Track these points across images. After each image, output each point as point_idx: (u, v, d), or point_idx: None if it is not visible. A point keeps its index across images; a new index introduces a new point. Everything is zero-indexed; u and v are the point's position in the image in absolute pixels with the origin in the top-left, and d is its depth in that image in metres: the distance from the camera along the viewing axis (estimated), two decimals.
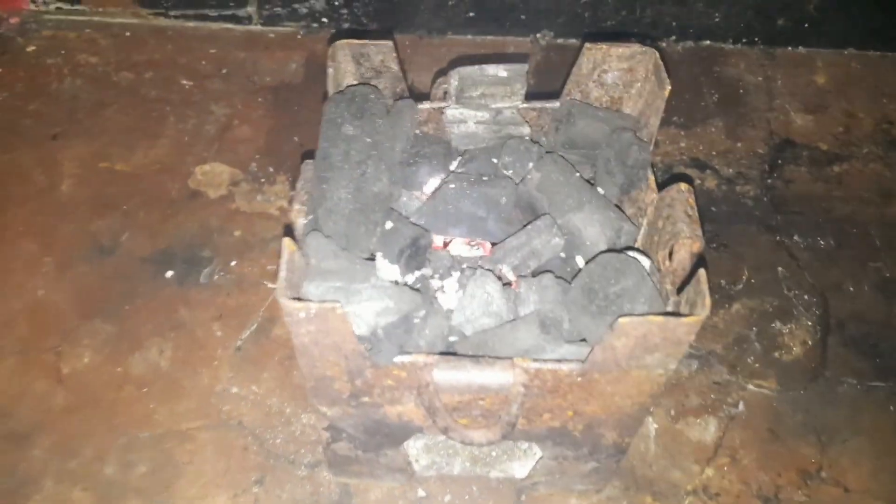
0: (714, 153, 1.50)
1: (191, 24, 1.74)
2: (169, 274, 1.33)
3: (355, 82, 0.98)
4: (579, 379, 0.79)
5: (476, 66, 0.95)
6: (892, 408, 1.17)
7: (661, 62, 0.95)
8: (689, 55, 1.67)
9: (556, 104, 1.01)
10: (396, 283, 0.83)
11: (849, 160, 1.50)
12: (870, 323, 1.26)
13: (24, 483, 1.11)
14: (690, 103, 1.59)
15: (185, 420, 1.17)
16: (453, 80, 0.94)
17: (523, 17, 1.68)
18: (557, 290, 0.83)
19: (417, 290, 0.84)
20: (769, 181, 1.46)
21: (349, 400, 0.86)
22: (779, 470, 1.11)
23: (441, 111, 0.99)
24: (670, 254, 0.86)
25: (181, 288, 1.31)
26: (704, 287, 0.75)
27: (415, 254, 0.87)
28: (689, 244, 0.83)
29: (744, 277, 1.31)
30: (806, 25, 1.64)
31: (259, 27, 1.74)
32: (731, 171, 1.48)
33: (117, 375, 1.21)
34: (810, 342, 1.24)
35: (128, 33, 1.72)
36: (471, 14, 1.68)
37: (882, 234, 1.38)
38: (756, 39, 1.68)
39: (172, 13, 1.73)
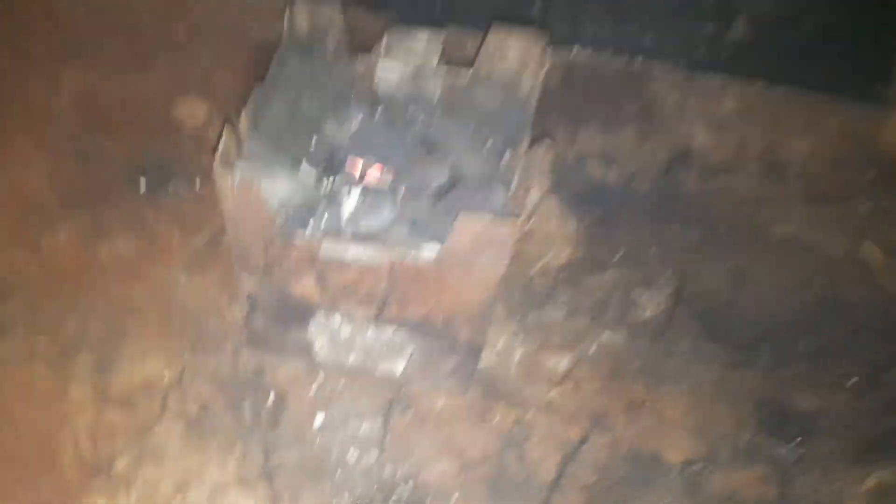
0: (622, 152, 1.82)
1: None
2: (142, 182, 1.62)
3: (306, 32, 1.29)
4: (433, 268, 1.09)
5: (404, 29, 1.26)
6: (715, 365, 1.47)
7: (545, 49, 1.26)
8: (619, 70, 1.99)
9: (468, 72, 1.32)
10: (309, 180, 1.13)
11: (734, 173, 1.81)
12: (716, 299, 1.57)
13: None
14: (612, 110, 1.90)
15: (137, 299, 1.46)
16: (384, 39, 1.25)
17: (480, 14, 1.99)
18: (430, 203, 1.13)
19: (325, 189, 1.14)
20: (661, 181, 1.77)
21: (264, 270, 1.16)
22: (611, 398, 1.41)
23: (373, 64, 1.29)
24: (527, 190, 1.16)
25: (151, 196, 1.60)
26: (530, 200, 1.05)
27: (329, 166, 1.17)
28: (537, 188, 1.14)
29: (620, 253, 1.62)
30: (724, 55, 1.97)
31: None
32: (631, 168, 1.79)
33: (86, 255, 1.51)
34: (662, 308, 1.54)
35: None
36: (436, 9, 1.99)
37: (748, 235, 1.69)
38: (680, 62, 2.00)
39: None
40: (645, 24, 1.96)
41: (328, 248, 1.08)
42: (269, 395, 1.35)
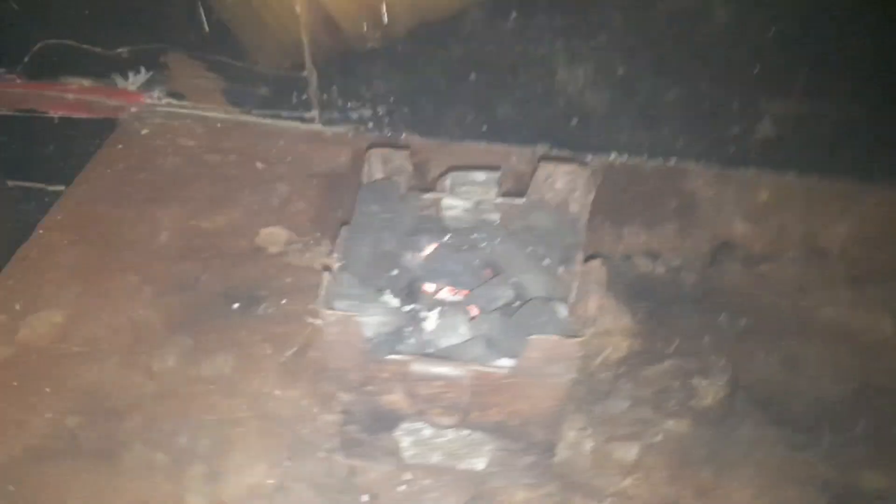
0: (666, 247, 1.98)
1: (267, 120, 2.34)
2: (235, 306, 1.85)
3: (382, 176, 1.52)
4: (509, 380, 1.26)
5: (464, 170, 1.48)
6: (778, 448, 1.57)
7: (591, 176, 1.46)
8: (655, 171, 2.18)
9: (522, 200, 1.52)
10: (395, 308, 1.32)
11: (775, 260, 1.95)
12: (772, 385, 1.68)
13: (119, 444, 1.60)
14: (653, 208, 2.08)
15: (239, 411, 1.65)
16: (448, 179, 1.47)
17: (525, 132, 2.23)
18: (502, 321, 1.31)
19: (409, 314, 1.33)
20: (707, 272, 1.92)
21: (357, 387, 1.34)
22: (681, 486, 1.52)
23: (439, 200, 1.51)
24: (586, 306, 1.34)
25: (243, 317, 1.83)
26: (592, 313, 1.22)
27: (410, 293, 1.36)
28: (595, 298, 1.31)
29: (675, 344, 1.75)
30: (754, 152, 2.14)
31: (319, 126, 2.33)
32: (677, 262, 1.95)
33: (192, 375, 1.72)
34: (721, 395, 1.66)
35: (219, 125, 2.34)
36: (484, 128, 2.25)
37: (795, 321, 1.81)
38: (712, 159, 2.19)
39: (254, 112, 2.34)
40: (676, 128, 2.17)
41: (415, 367, 1.25)
42: (362, 495, 1.50)
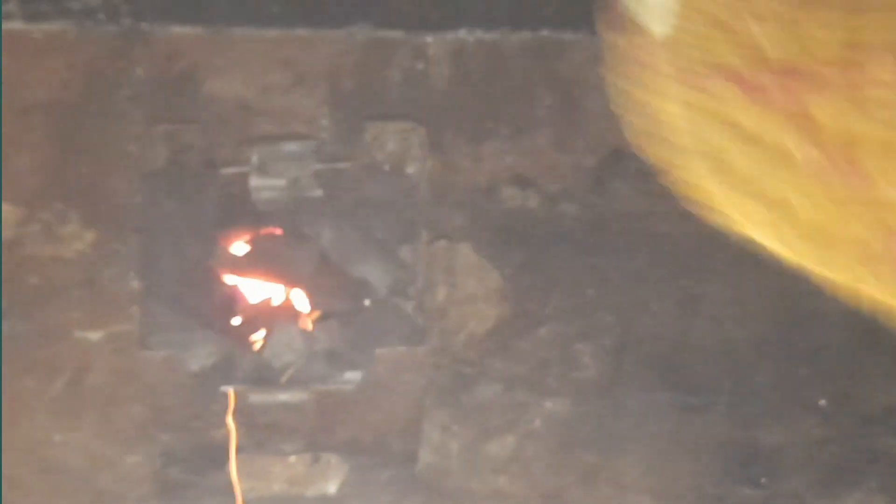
0: (540, 168, 3.09)
1: None
2: None
3: (165, 157, 2.49)
4: (357, 396, 2.35)
5: (271, 142, 2.48)
6: (672, 416, 2.80)
7: (424, 138, 2.51)
8: (522, 49, 3.23)
9: (347, 165, 2.56)
10: (219, 335, 2.36)
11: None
12: (666, 340, 2.89)
13: None
14: (521, 108, 3.15)
15: (11, 468, 2.64)
16: (254, 156, 2.47)
17: (335, 8, 3.19)
18: (341, 330, 2.38)
19: (236, 336, 2.37)
20: (591, 198, 3.06)
21: (181, 425, 2.39)
22: (563, 474, 2.72)
23: (245, 175, 2.51)
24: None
25: None
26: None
27: (232, 307, 2.40)
28: (442, 289, 2.40)
29: (552, 303, 2.90)
30: None
31: (21, 25, 3.15)
32: (554, 188, 3.07)
33: None
34: (607, 361, 2.85)
35: None
36: (274, 8, 3.18)
37: (697, 251, 3.01)
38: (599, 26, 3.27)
39: None
40: None
41: (251, 398, 2.31)
42: None
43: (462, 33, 3.23)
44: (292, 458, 2.51)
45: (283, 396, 2.34)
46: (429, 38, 3.22)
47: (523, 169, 3.10)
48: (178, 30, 3.15)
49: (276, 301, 2.45)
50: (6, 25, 3.13)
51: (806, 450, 2.82)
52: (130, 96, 2.93)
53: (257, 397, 2.34)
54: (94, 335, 2.69)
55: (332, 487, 2.60)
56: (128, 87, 2.95)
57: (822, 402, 2.85)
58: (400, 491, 2.65)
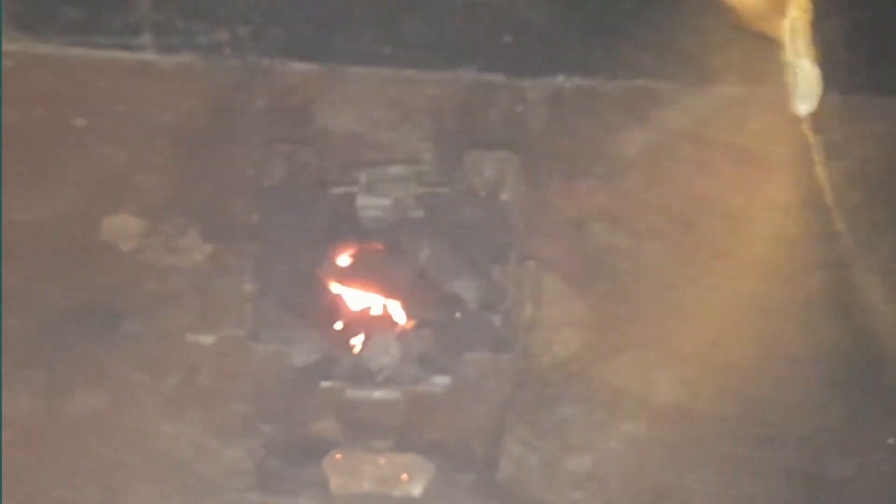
0: (629, 206, 3.34)
1: (78, 51, 3.48)
2: (90, 325, 3.09)
3: (283, 174, 2.80)
4: (445, 398, 2.61)
5: (379, 166, 2.78)
6: (743, 444, 3.01)
7: (519, 166, 2.79)
8: (617, 96, 3.50)
9: (447, 191, 2.84)
10: (322, 333, 2.65)
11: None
12: (743, 372, 3.10)
13: None
14: (614, 150, 3.41)
15: (122, 454, 2.93)
16: (362, 176, 2.77)
17: (442, 53, 3.49)
18: (434, 337, 2.66)
19: (337, 337, 2.66)
20: (680, 235, 3.30)
21: (282, 416, 2.67)
22: (638, 492, 2.95)
23: (352, 195, 2.81)
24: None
25: (104, 338, 3.07)
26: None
27: (335, 311, 2.69)
28: (529, 307, 2.67)
29: (635, 332, 3.14)
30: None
31: (153, 55, 3.49)
32: (642, 226, 3.31)
33: (56, 417, 2.97)
34: (683, 391, 3.07)
35: (9, 63, 3.45)
36: (386, 49, 3.49)
37: (776, 292, 3.23)
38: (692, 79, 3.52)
39: (58, 40, 3.47)
40: (640, 39, 3.47)
41: (348, 393, 2.59)
42: None
43: (560, 79, 3.52)
44: (382, 460, 2.78)
45: (378, 394, 2.61)
46: (528, 83, 3.51)
47: (613, 207, 3.36)
48: (296, 66, 3.49)
49: (375, 310, 2.74)
50: (138, 56, 3.49)
51: (873, 484, 3.01)
52: (250, 124, 3.27)
53: (354, 393, 2.62)
54: (206, 339, 3.01)
55: (417, 489, 2.86)
56: (248, 116, 3.29)
57: (892, 440, 3.03)
58: (480, 497, 2.89)
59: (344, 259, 2.79)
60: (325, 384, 2.63)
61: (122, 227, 3.25)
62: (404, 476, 2.79)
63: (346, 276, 2.77)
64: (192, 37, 3.47)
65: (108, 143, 3.34)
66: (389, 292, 2.75)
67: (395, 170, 2.81)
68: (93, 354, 3.06)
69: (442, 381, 2.65)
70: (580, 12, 3.42)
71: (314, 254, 2.78)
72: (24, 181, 3.25)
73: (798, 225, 3.18)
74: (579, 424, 3.03)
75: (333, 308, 2.74)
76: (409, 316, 2.74)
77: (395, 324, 2.73)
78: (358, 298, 2.76)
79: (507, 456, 2.96)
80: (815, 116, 3.13)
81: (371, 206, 2.81)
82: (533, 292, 2.73)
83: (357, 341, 2.70)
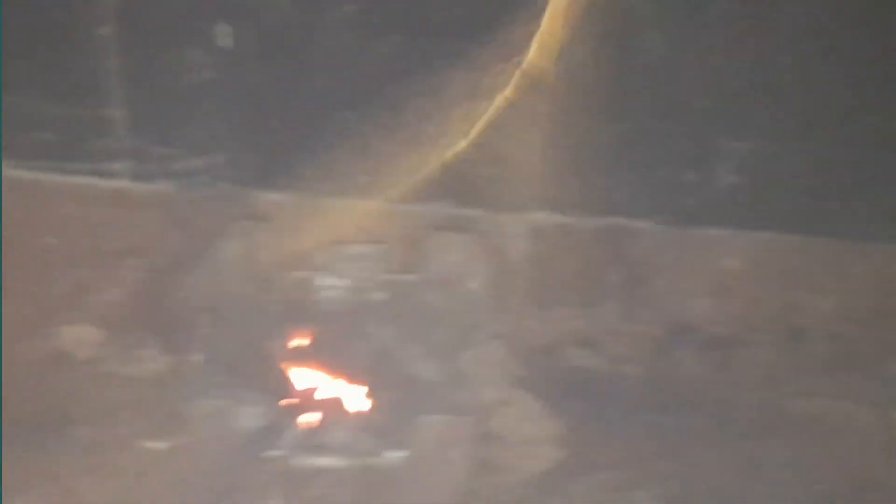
0: (606, 333, 3.26)
1: (52, 177, 3.50)
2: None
3: (238, 253, 2.73)
4: (402, 471, 2.46)
5: (344, 244, 2.71)
6: None
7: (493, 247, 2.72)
8: (593, 233, 3.48)
9: (412, 277, 2.76)
10: (271, 401, 2.52)
11: (742, 345, 3.26)
12: (726, 496, 2.94)
13: None
14: (590, 282, 3.36)
15: None
16: (325, 254, 2.70)
17: (420, 187, 3.49)
18: (391, 408, 2.53)
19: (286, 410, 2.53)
20: (656, 362, 3.21)
21: (225, 495, 2.52)
22: None
23: (310, 279, 2.72)
24: None
25: (58, 446, 2.94)
26: None
27: (285, 389, 2.57)
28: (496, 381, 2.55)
29: (612, 452, 3.00)
30: (717, 205, 3.48)
31: (127, 183, 3.50)
32: (619, 351, 3.22)
33: None
34: None
35: None
36: (362, 178, 3.49)
37: (759, 417, 3.10)
38: (665, 215, 3.50)
39: (30, 165, 3.49)
40: (616, 177, 3.48)
41: (295, 462, 2.45)
42: None
43: (537, 215, 3.50)
44: None
45: (328, 461, 2.47)
46: (504, 217, 3.49)
47: (589, 333, 3.29)
48: (273, 197, 3.49)
49: (328, 393, 2.63)
50: (111, 184, 3.49)
51: None
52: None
53: (302, 463, 2.48)
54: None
55: None
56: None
57: None
58: None
59: (300, 341, 2.70)
60: (272, 453, 2.49)
61: (81, 337, 3.19)
62: None
63: (302, 356, 2.67)
64: (167, 163, 3.50)
65: (77, 263, 3.33)
66: (346, 371, 2.64)
67: (361, 249, 2.74)
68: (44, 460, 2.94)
69: (398, 453, 2.50)
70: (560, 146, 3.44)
71: (270, 333, 2.69)
72: None
73: None
74: None
75: (284, 386, 2.63)
76: (369, 395, 2.62)
77: (347, 407, 2.61)
78: (311, 382, 2.65)
79: None
80: None
81: (331, 286, 2.73)
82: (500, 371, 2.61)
83: (307, 418, 2.57)
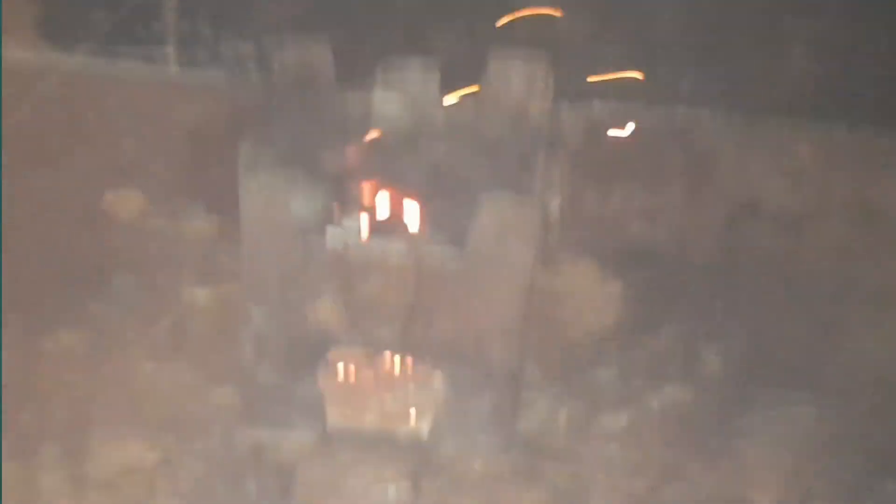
0: (670, 208, 3.14)
1: (100, 61, 3.45)
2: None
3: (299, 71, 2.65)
4: (458, 267, 2.33)
5: (398, 58, 2.63)
6: (807, 413, 2.66)
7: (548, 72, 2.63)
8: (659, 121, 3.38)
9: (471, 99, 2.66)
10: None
11: (813, 221, 3.14)
12: (802, 349, 2.79)
13: None
14: (653, 167, 3.26)
15: (96, 388, 2.65)
16: (379, 70, 2.61)
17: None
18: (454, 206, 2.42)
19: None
20: (724, 235, 3.08)
21: (279, 296, 2.40)
22: (682, 450, 2.58)
23: (368, 97, 2.63)
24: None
25: (95, 290, 2.85)
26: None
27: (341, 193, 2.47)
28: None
29: (677, 308, 2.87)
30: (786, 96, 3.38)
31: (176, 71, 3.44)
32: (684, 224, 3.11)
33: (33, 352, 2.71)
34: (736, 362, 2.77)
35: (27, 71, 3.43)
36: None
37: (834, 286, 2.97)
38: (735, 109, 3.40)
39: (81, 49, 3.45)
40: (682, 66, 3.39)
41: (351, 253, 2.33)
42: (272, 471, 2.50)
43: (596, 103, 3.41)
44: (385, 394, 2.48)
45: (384, 250, 2.37)
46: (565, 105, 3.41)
47: (652, 208, 3.18)
48: None
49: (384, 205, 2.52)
50: (160, 70, 3.44)
51: None
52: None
53: (356, 255, 2.36)
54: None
55: (423, 428, 2.53)
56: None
57: None
58: (498, 441, 2.55)
59: (357, 146, 2.59)
60: (326, 247, 2.38)
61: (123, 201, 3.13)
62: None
63: (359, 162, 2.57)
64: (217, 50, 3.44)
65: (122, 135, 3.27)
66: (402, 185, 2.53)
67: (414, 63, 2.64)
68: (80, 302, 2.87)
69: (455, 250, 2.38)
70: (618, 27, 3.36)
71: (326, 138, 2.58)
72: (31, 163, 3.18)
73: None
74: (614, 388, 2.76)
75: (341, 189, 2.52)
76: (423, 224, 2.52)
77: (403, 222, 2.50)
78: (368, 190, 2.53)
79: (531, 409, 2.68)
80: None
81: (387, 100, 2.63)
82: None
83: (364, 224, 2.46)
